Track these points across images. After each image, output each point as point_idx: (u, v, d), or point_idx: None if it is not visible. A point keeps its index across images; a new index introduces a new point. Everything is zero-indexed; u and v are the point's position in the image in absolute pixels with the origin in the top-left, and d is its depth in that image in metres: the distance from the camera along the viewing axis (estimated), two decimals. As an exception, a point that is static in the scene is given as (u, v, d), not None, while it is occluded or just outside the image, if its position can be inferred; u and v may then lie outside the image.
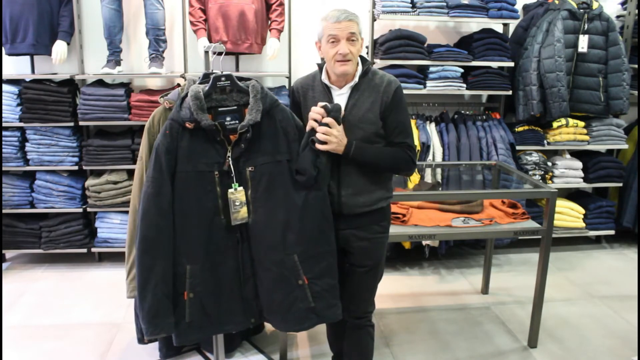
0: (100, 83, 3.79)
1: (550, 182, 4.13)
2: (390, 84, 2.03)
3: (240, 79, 2.02)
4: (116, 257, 3.93)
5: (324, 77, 2.05)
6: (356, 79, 2.02)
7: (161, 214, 1.90)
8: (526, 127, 4.09)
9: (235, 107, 1.98)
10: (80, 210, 3.76)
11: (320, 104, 1.96)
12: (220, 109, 1.96)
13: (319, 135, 1.92)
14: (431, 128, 3.89)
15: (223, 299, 2.01)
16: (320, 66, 2.09)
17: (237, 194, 1.94)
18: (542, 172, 4.04)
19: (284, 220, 2.00)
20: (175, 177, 1.91)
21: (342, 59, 1.95)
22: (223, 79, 1.97)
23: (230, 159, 1.94)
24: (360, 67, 2.04)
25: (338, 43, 1.94)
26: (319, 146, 1.92)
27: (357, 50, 1.97)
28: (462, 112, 4.10)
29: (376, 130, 2.02)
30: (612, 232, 4.28)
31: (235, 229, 1.98)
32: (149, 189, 1.89)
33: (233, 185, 1.95)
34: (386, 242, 2.19)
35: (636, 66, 4.25)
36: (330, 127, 1.92)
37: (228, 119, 1.96)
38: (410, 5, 3.78)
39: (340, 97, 2.04)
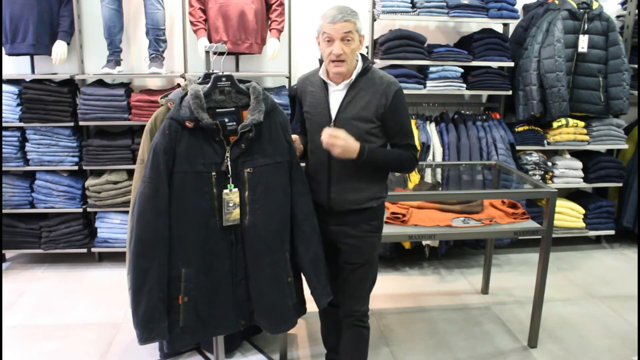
0: (100, 83, 3.79)
1: (550, 182, 4.13)
2: (390, 86, 2.02)
3: (240, 80, 2.01)
4: (116, 257, 3.93)
5: (321, 73, 2.07)
6: (353, 77, 2.02)
7: (157, 216, 1.87)
8: (526, 127, 4.09)
9: (233, 109, 1.97)
10: (80, 210, 3.76)
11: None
12: (218, 110, 1.95)
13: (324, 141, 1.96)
14: (431, 128, 3.89)
15: (216, 303, 1.99)
16: (321, 61, 2.10)
17: (232, 195, 1.93)
18: (542, 172, 4.04)
19: (282, 221, 2.02)
20: (172, 178, 1.88)
21: (336, 59, 1.96)
22: (224, 79, 1.96)
23: (228, 159, 1.93)
24: (360, 65, 2.03)
25: (333, 43, 1.95)
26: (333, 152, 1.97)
27: (352, 50, 1.97)
28: (462, 112, 4.10)
29: (369, 129, 2.03)
30: (612, 232, 4.29)
31: (229, 231, 1.97)
32: (146, 189, 1.86)
33: (229, 186, 1.93)
34: (377, 242, 2.18)
35: (636, 66, 4.24)
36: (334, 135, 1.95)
37: (226, 120, 1.94)
38: (410, 5, 3.77)
39: (337, 93, 2.06)
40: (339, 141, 1.94)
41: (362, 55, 2.06)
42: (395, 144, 2.09)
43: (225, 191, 1.93)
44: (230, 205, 1.93)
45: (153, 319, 1.87)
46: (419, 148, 3.70)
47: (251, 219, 1.97)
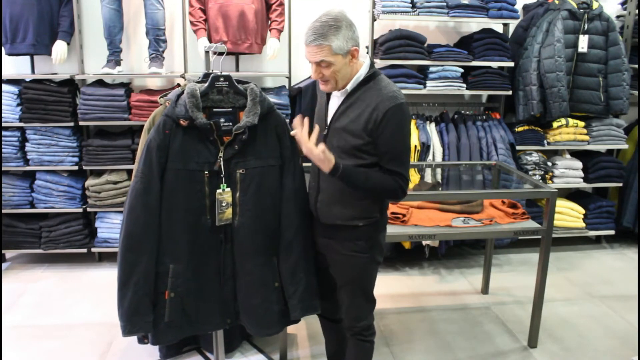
0: (100, 83, 3.79)
1: (550, 182, 4.13)
2: (385, 101, 1.80)
3: (239, 81, 2.01)
4: (116, 257, 3.91)
5: None
6: (348, 89, 1.88)
7: (148, 211, 1.88)
8: (526, 127, 4.09)
9: (230, 109, 1.97)
10: (80, 210, 3.76)
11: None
12: (215, 110, 1.95)
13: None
14: (431, 128, 3.89)
15: (203, 300, 2.01)
16: None
17: (225, 194, 1.95)
18: (542, 172, 4.04)
19: (271, 224, 2.01)
20: (165, 174, 1.89)
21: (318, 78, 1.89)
22: (221, 79, 1.96)
23: (221, 159, 1.93)
24: (362, 72, 1.87)
25: (312, 64, 1.86)
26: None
27: (332, 72, 1.82)
28: (462, 112, 4.10)
29: (358, 145, 1.85)
30: (612, 232, 4.28)
31: (219, 230, 1.98)
32: (138, 184, 1.88)
33: (222, 185, 1.94)
34: (366, 264, 2.01)
35: (636, 66, 4.24)
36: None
37: (222, 120, 1.95)
38: (410, 5, 3.77)
39: (335, 99, 1.95)
40: (307, 144, 1.81)
41: (371, 60, 1.92)
42: (381, 167, 1.86)
43: (218, 191, 1.94)
44: (223, 204, 1.94)
45: (137, 313, 1.89)
46: (419, 148, 3.70)
47: (241, 219, 1.98)
